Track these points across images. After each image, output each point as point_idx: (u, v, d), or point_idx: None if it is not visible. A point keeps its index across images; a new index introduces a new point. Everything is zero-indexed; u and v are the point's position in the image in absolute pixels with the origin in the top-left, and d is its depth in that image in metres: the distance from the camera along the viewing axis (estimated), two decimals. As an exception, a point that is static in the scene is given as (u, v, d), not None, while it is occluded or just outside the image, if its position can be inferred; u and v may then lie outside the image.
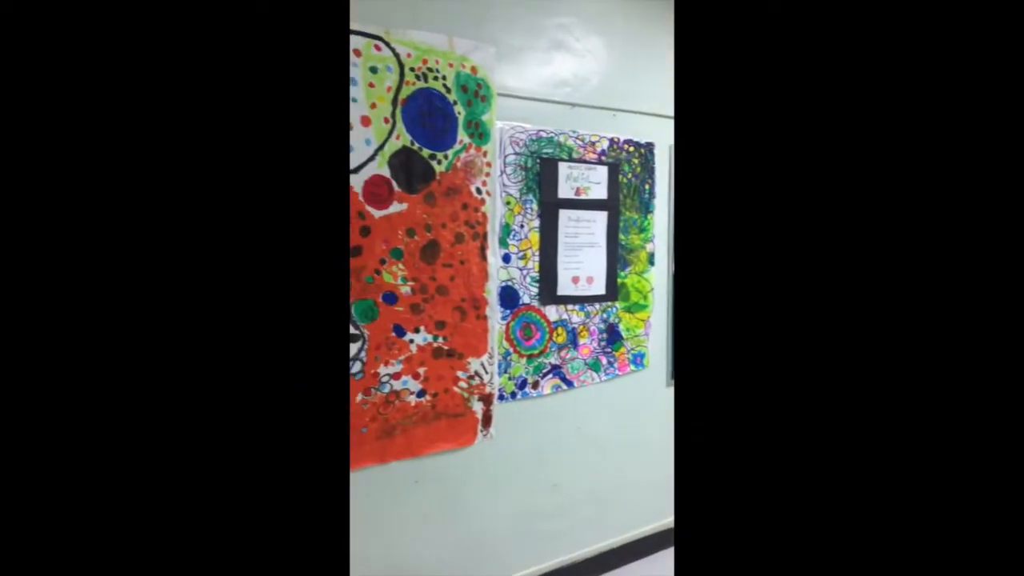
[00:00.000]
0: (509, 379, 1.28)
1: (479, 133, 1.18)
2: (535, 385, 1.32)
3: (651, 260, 1.50)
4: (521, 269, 1.28)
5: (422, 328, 1.14)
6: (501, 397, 1.27)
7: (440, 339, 1.17)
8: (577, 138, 1.33)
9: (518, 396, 1.30)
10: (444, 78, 1.12)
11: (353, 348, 1.07)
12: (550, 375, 1.35)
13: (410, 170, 1.10)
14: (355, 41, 1.02)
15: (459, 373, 1.20)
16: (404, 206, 1.10)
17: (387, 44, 1.06)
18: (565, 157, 1.32)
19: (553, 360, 1.35)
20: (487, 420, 1.24)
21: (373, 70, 1.04)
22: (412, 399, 1.14)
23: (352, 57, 1.02)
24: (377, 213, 1.07)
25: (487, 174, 1.20)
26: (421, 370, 1.15)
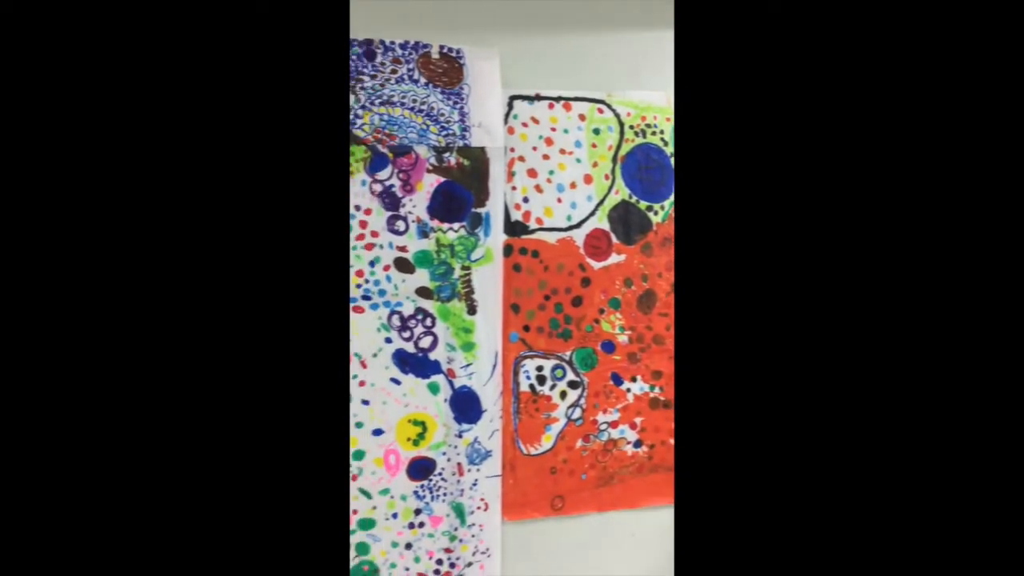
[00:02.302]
0: (728, 434, 1.22)
1: (695, 183, 1.18)
2: (756, 443, 1.24)
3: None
4: (739, 319, 1.23)
5: (639, 377, 1.15)
6: (719, 453, 1.21)
7: (656, 389, 1.16)
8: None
9: (737, 453, 1.23)
10: (662, 132, 1.15)
11: (573, 395, 1.11)
12: (773, 433, 1.26)
13: (628, 223, 1.14)
14: (580, 107, 1.10)
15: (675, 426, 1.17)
16: (622, 257, 1.13)
17: (609, 106, 1.12)
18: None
19: (776, 417, 1.26)
20: (705, 476, 1.19)
21: (596, 131, 1.11)
22: (629, 449, 1.14)
23: (577, 121, 1.10)
24: (596, 265, 1.12)
25: (703, 223, 1.18)
26: (638, 420, 1.15)
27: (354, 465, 0.92)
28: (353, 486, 0.92)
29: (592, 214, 1.12)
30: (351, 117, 0.95)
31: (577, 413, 1.11)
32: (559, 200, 1.10)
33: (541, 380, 1.09)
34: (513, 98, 1.06)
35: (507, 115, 1.06)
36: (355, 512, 0.92)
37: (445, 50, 1.00)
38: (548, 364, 1.09)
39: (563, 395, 1.10)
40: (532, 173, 1.08)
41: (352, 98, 0.95)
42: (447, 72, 1.00)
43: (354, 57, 0.95)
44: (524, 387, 1.08)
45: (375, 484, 0.93)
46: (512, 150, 1.06)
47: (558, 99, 1.09)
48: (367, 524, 0.92)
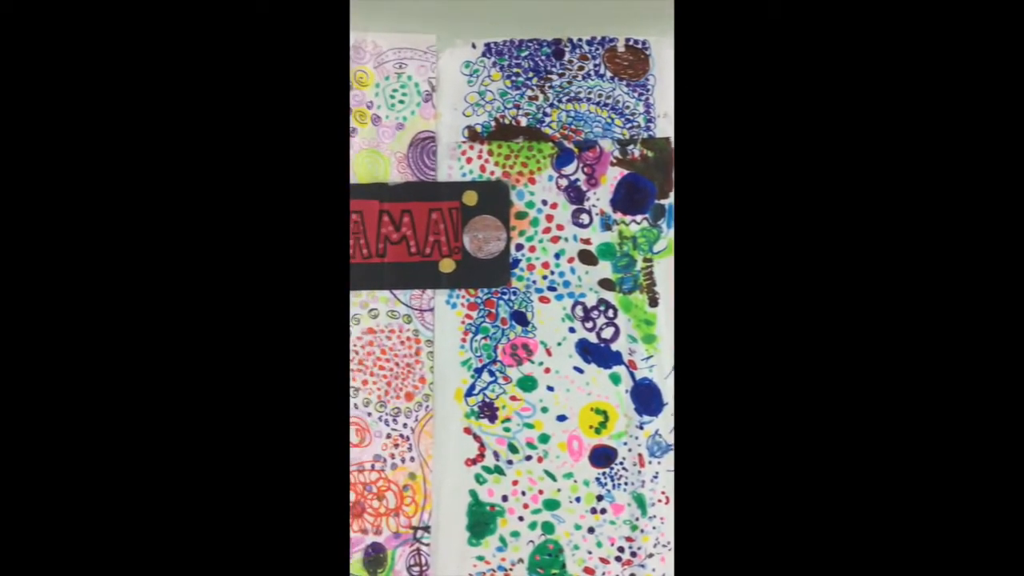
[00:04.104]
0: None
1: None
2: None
3: None
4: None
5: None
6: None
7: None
8: None
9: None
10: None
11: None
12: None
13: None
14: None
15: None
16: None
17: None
18: None
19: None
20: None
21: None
22: (822, 455, 1.07)
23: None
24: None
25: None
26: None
27: (540, 447, 0.97)
28: (538, 467, 0.97)
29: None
30: (540, 115, 0.99)
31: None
32: (746, 189, 1.05)
33: (724, 376, 1.05)
34: (699, 86, 1.03)
35: (693, 103, 1.03)
36: (541, 492, 0.97)
37: (631, 42, 1.00)
38: (732, 360, 1.05)
39: (748, 393, 1.06)
40: (718, 162, 1.04)
41: (541, 97, 0.99)
42: (632, 64, 1.00)
43: (543, 57, 0.99)
44: (706, 382, 1.05)
45: (559, 467, 0.97)
46: (697, 139, 1.04)
47: (748, 83, 1.04)
48: (552, 505, 0.97)
